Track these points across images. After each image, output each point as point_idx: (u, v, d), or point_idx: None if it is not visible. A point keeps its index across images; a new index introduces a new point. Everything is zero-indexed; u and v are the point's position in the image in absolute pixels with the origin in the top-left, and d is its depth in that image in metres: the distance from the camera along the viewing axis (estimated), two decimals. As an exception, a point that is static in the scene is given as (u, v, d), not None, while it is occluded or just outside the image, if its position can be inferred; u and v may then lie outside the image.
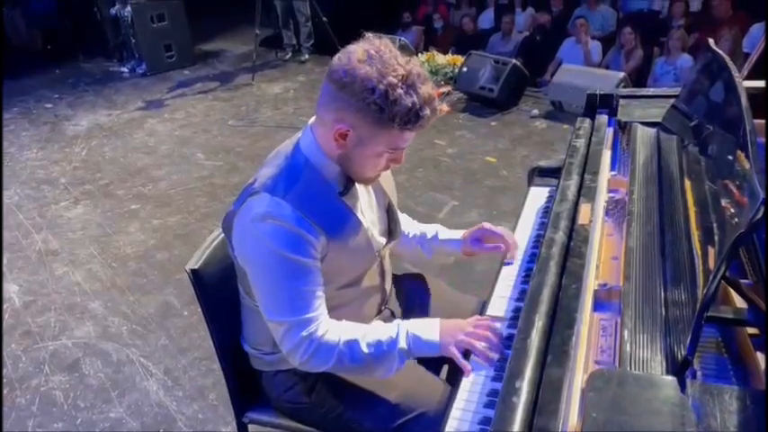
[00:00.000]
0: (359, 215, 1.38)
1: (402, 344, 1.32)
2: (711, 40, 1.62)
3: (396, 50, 1.21)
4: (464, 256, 1.70)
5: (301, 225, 1.24)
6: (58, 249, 3.63)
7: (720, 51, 1.48)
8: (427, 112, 1.19)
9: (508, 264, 1.60)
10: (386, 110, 1.16)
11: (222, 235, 1.63)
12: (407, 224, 1.72)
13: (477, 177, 4.11)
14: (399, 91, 1.15)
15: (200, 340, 2.72)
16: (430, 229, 1.72)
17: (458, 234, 1.69)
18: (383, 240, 1.49)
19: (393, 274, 1.72)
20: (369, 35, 1.24)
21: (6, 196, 4.36)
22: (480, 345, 1.28)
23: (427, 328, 1.34)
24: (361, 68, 1.15)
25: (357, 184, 1.39)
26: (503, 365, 1.19)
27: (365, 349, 1.31)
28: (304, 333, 1.29)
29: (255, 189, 1.29)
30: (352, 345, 1.31)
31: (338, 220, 1.32)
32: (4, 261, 3.53)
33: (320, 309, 1.32)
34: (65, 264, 3.47)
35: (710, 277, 0.88)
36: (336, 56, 1.21)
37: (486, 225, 1.65)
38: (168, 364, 2.63)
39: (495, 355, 1.26)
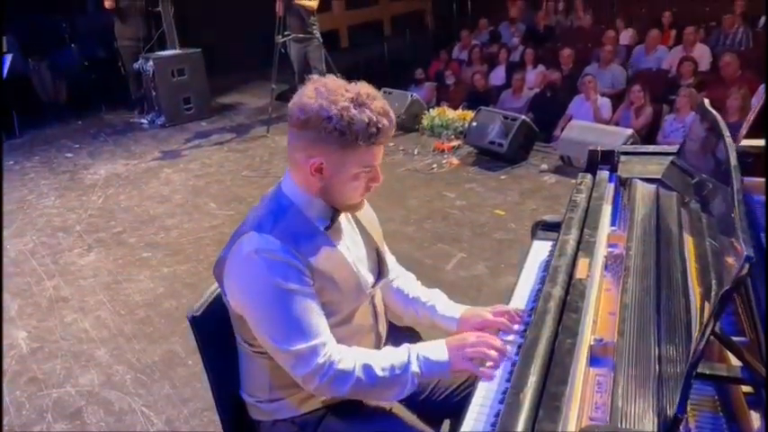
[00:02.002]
0: (343, 250, 1.43)
1: (415, 368, 1.37)
2: (707, 100, 1.65)
3: (341, 80, 1.31)
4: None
5: (289, 254, 1.30)
6: (69, 296, 3.66)
7: (713, 110, 1.51)
8: (385, 122, 1.27)
9: (504, 334, 1.51)
10: (346, 132, 1.24)
11: (225, 282, 1.65)
12: (412, 286, 1.70)
13: (485, 230, 4.12)
14: (353, 111, 1.24)
15: (203, 390, 2.70)
16: (430, 296, 1.66)
17: (456, 312, 1.60)
18: (371, 278, 1.51)
19: (395, 325, 1.72)
20: (313, 76, 1.35)
21: (22, 243, 4.44)
22: (489, 352, 1.34)
23: (436, 350, 1.40)
24: (313, 103, 1.25)
25: (341, 221, 1.44)
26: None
27: (380, 372, 1.35)
28: (320, 360, 1.32)
29: (244, 231, 1.36)
30: (368, 369, 1.35)
31: (322, 252, 1.37)
32: (15, 307, 3.57)
33: (328, 334, 1.36)
34: (74, 310, 3.50)
35: (700, 334, 0.88)
36: (290, 102, 1.31)
37: (488, 318, 1.53)
38: (170, 413, 2.62)
39: (504, 361, 1.33)
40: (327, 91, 1.26)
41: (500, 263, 3.66)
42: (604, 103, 6.22)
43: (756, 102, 5.00)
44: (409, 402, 1.59)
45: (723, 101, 5.31)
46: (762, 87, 5.34)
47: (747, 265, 0.83)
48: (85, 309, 3.51)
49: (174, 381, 2.83)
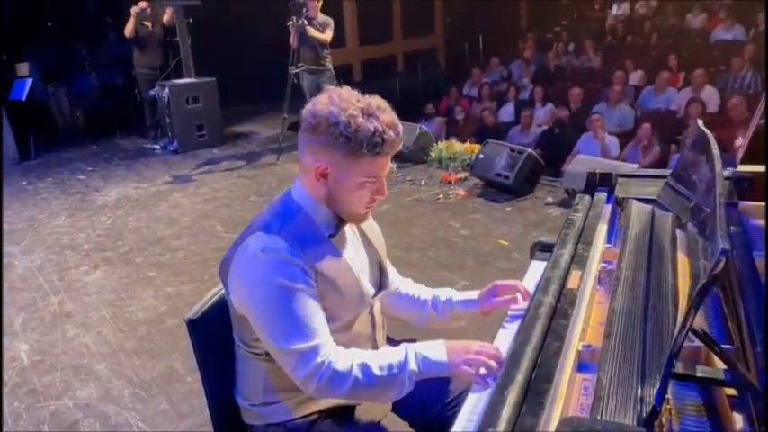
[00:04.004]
0: (347, 258, 1.45)
1: (412, 365, 1.36)
2: (700, 121, 1.68)
3: (354, 91, 1.34)
4: (482, 316, 1.69)
5: (295, 255, 1.33)
6: (72, 312, 3.69)
7: (706, 130, 1.54)
8: (391, 134, 1.30)
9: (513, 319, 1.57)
10: (352, 139, 1.28)
11: (223, 290, 1.68)
12: (417, 289, 1.74)
13: (488, 259, 4.13)
14: (360, 120, 1.28)
15: (200, 407, 2.69)
16: (443, 293, 1.72)
17: (473, 294, 1.69)
18: (372, 289, 1.54)
19: (391, 338, 1.73)
20: (329, 87, 1.38)
21: (30, 260, 4.50)
22: (490, 362, 1.32)
23: (435, 349, 1.39)
24: (324, 109, 1.30)
25: (346, 231, 1.46)
26: None
27: (377, 372, 1.35)
28: (318, 360, 1.33)
29: (251, 231, 1.39)
30: (365, 369, 1.35)
31: (327, 257, 1.39)
32: (19, 321, 3.60)
33: (328, 335, 1.37)
34: (77, 326, 3.52)
35: (679, 326, 0.89)
36: (305, 107, 1.35)
37: (499, 282, 1.66)
38: (166, 428, 2.61)
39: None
40: (340, 99, 1.31)
41: (502, 291, 3.65)
42: (612, 141, 6.27)
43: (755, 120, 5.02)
44: (402, 413, 1.60)
45: (731, 142, 5.34)
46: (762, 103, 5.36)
47: (723, 259, 0.85)
48: (88, 324, 3.53)
49: (171, 397, 2.82)
